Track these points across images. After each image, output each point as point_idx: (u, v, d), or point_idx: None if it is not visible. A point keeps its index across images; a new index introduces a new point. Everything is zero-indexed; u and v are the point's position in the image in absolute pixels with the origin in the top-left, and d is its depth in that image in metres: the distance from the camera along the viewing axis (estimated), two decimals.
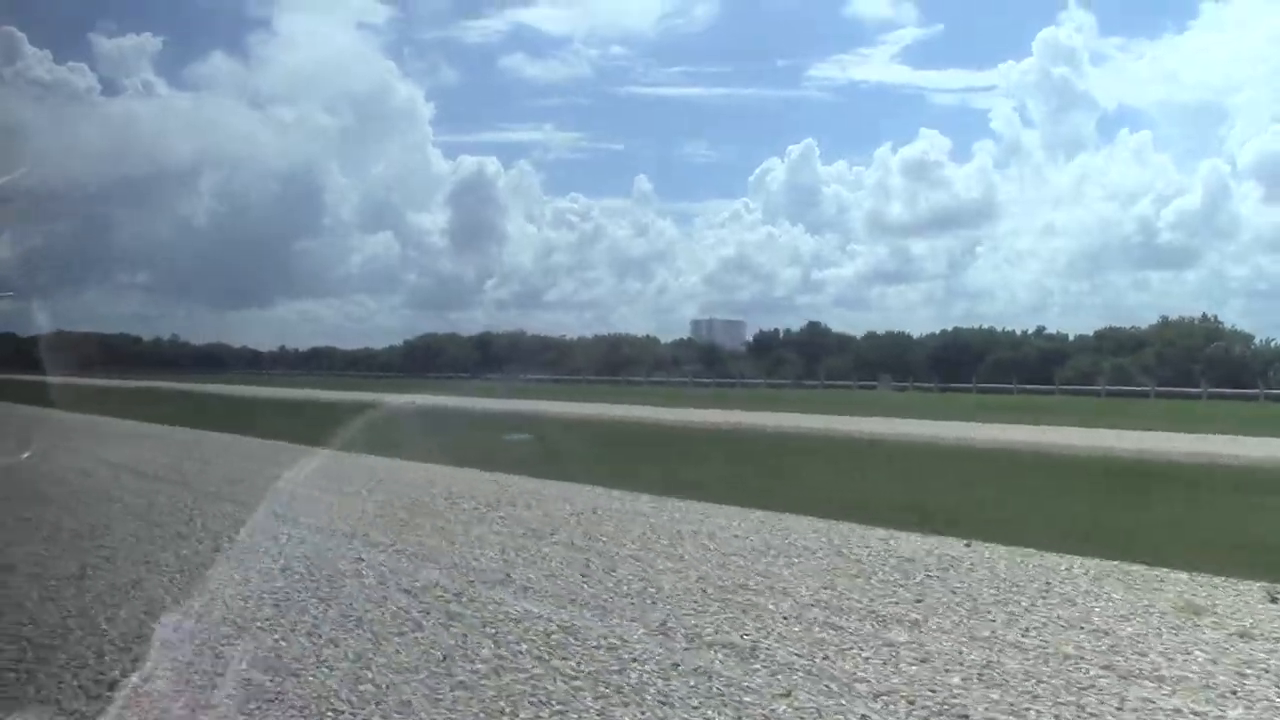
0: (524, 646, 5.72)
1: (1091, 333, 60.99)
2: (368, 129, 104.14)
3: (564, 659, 5.49)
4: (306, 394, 42.47)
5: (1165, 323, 58.02)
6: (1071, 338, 62.18)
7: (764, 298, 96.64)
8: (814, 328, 74.09)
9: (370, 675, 5.21)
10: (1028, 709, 4.74)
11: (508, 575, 7.64)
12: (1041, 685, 5.05)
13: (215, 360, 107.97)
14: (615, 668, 5.34)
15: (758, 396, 46.51)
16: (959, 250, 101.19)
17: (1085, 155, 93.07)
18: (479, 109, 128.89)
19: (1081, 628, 6.14)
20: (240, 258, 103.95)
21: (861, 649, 5.68)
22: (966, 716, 4.66)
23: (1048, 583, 7.41)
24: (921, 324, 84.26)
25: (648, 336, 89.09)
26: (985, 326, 66.49)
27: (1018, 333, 65.03)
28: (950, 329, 67.35)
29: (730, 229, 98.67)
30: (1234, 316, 70.15)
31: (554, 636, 5.94)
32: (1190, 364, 50.78)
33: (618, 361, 78.85)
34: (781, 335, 77.57)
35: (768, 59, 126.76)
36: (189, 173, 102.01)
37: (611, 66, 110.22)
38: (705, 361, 79.61)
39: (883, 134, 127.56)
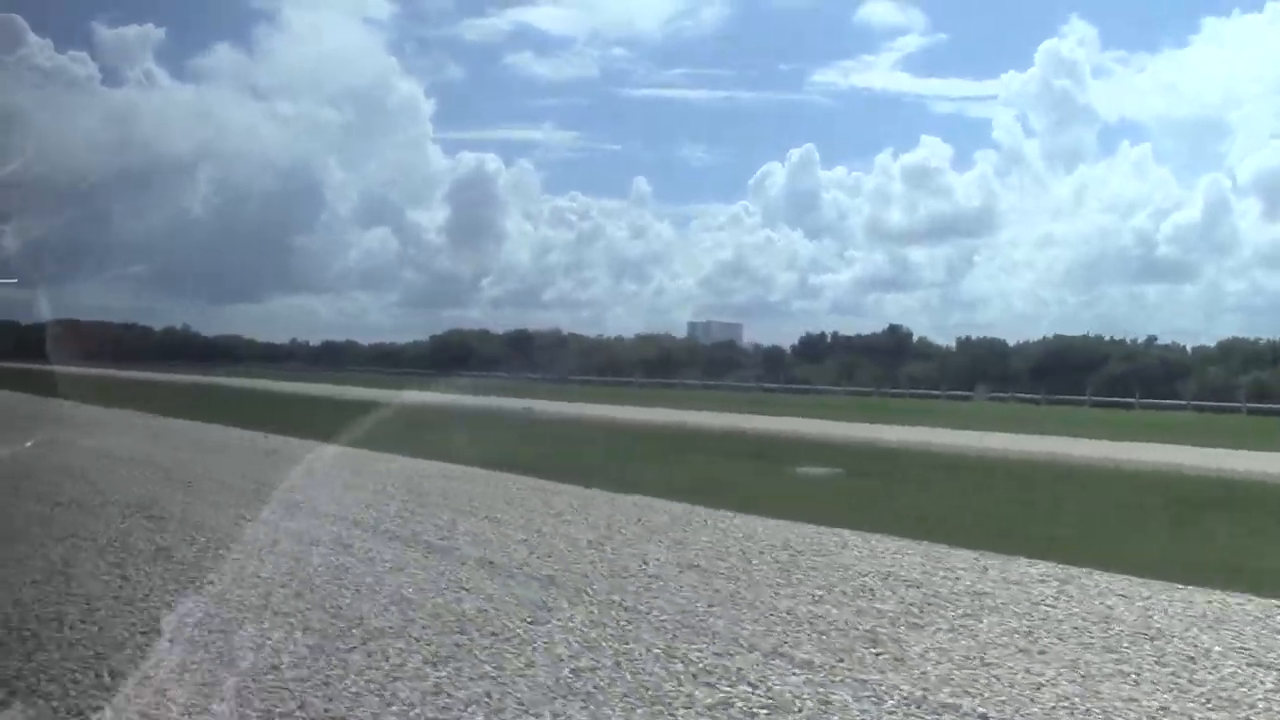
0: None
1: (1214, 344, 56.26)
2: (368, 125, 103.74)
3: None
4: (369, 393, 36.96)
5: None
6: (1189, 349, 57.18)
7: (760, 302, 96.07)
8: (895, 331, 68.48)
9: None
10: None
11: None
12: None
13: (228, 353, 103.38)
14: None
15: (858, 406, 41.15)
16: (957, 258, 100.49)
17: (1085, 167, 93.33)
18: (480, 107, 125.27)
19: None
20: (236, 251, 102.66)
21: None
22: None
23: None
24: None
25: (691, 337, 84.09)
26: (1093, 335, 61.08)
27: (1128, 341, 59.75)
28: (1051, 336, 62.00)
29: (729, 232, 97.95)
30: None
31: None
32: None
33: (655, 362, 73.54)
34: (857, 337, 71.93)
35: (770, 63, 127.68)
36: (188, 165, 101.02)
37: (613, 67, 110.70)
38: (739, 365, 74.65)
39: (883, 141, 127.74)
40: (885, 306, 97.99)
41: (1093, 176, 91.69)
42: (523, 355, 77.96)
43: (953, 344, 68.30)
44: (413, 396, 35.09)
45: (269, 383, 47.51)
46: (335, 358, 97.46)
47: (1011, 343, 62.09)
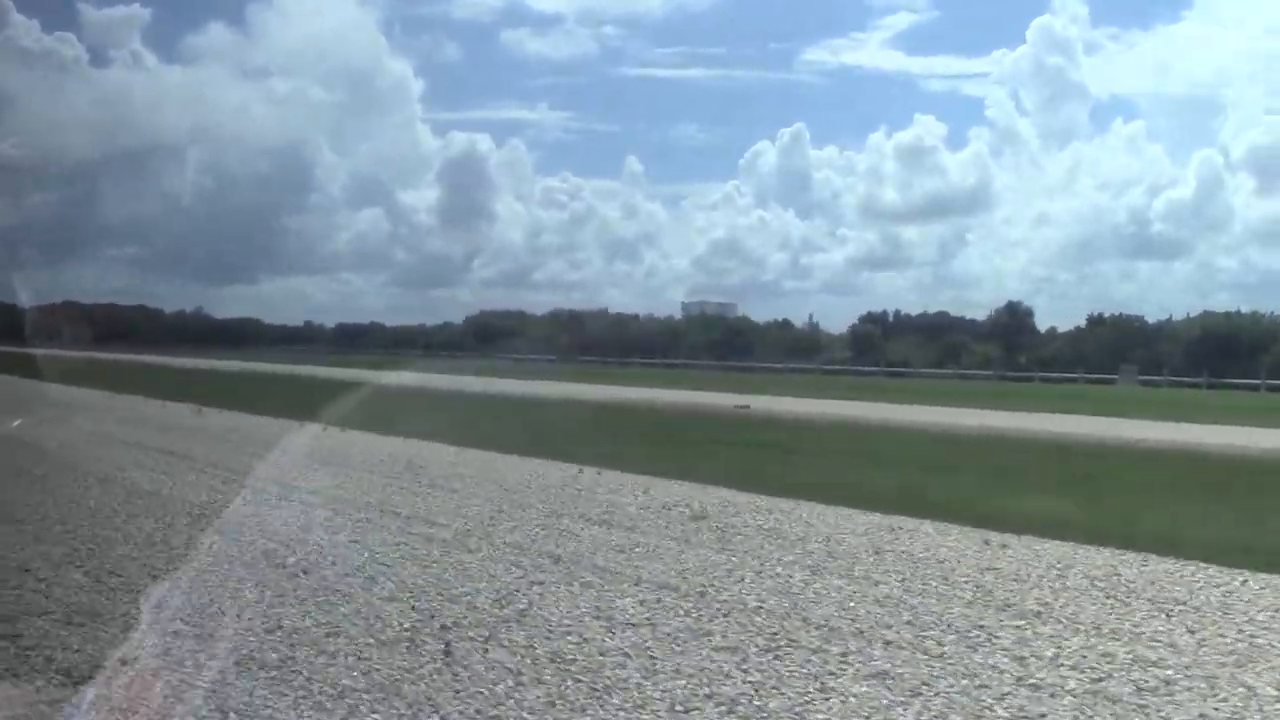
0: None
1: None
2: (359, 104, 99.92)
3: None
4: (462, 382, 30.24)
5: None
6: None
7: (753, 282, 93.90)
8: (1014, 309, 61.10)
9: None
10: None
11: None
12: None
13: (243, 335, 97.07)
14: None
15: (1000, 393, 34.45)
16: (949, 237, 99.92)
17: (1079, 144, 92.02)
18: (471, 86, 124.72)
19: None
20: (227, 233, 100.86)
21: None
22: None
23: None
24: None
25: (774, 321, 77.14)
26: (1260, 311, 53.78)
27: None
28: (1199, 313, 54.75)
29: (721, 212, 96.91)
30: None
31: None
32: None
33: (718, 343, 66.58)
34: (970, 319, 64.92)
35: (761, 42, 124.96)
36: (178, 146, 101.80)
37: (604, 47, 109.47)
38: (807, 349, 67.78)
39: (874, 119, 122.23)
40: (876, 285, 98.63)
41: (1086, 154, 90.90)
42: (571, 337, 71.23)
43: (1080, 323, 62.34)
44: (516, 387, 28.42)
45: (309, 368, 40.59)
46: (356, 340, 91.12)
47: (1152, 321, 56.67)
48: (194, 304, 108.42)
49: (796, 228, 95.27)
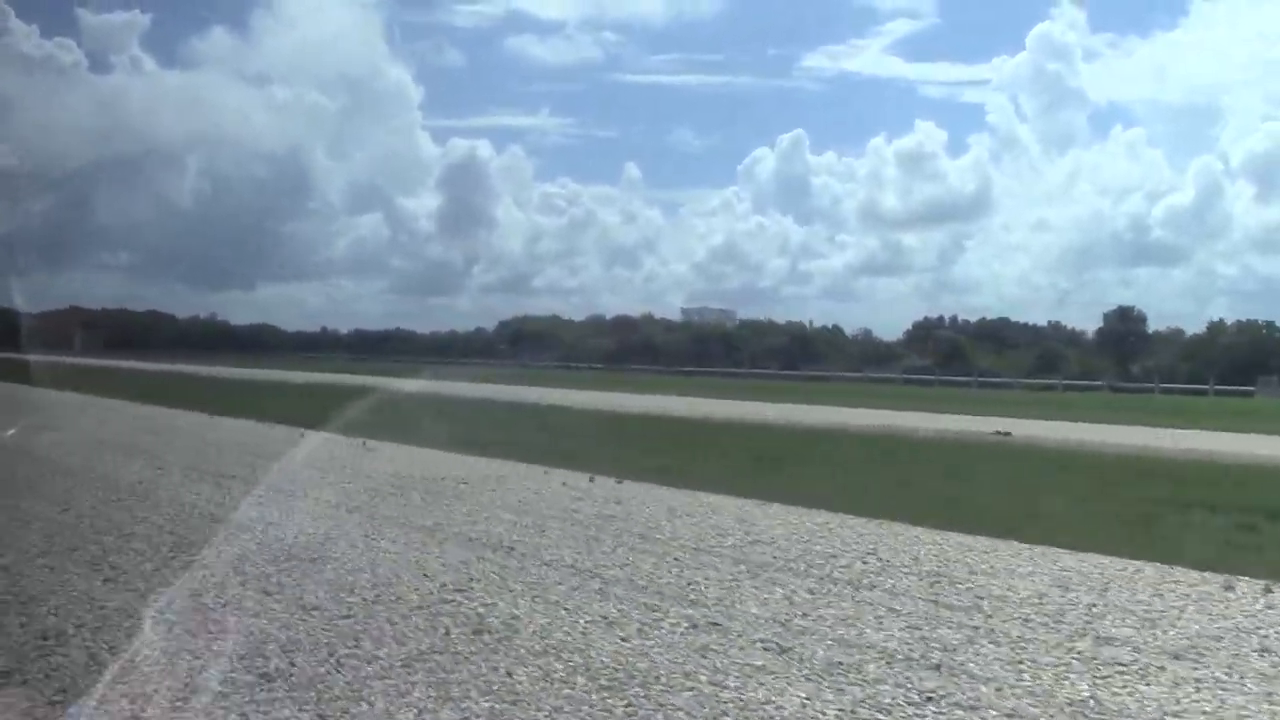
0: None
1: None
2: (359, 110, 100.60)
3: None
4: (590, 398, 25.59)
5: None
6: None
7: (751, 288, 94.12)
8: (1126, 315, 56.25)
9: None
10: None
11: None
12: None
13: (259, 342, 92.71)
14: None
15: (1145, 406, 29.77)
16: (949, 244, 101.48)
17: (1078, 151, 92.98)
18: (470, 93, 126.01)
19: None
20: (225, 239, 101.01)
21: None
22: None
23: None
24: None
25: (834, 326, 72.53)
26: None
27: None
28: None
29: (720, 218, 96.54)
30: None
31: None
32: None
33: (781, 351, 61.87)
34: (1074, 330, 60.48)
35: (760, 48, 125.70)
36: (177, 152, 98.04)
37: (604, 53, 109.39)
38: (883, 358, 63.23)
39: (873, 125, 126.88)
40: (876, 292, 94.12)
41: (1085, 160, 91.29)
42: (616, 342, 66.59)
43: (1200, 329, 57.96)
44: (616, 401, 23.87)
45: (359, 378, 35.86)
46: (378, 346, 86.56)
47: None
48: (198, 310, 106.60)
49: (795, 234, 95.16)
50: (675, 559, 6.84)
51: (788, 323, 73.35)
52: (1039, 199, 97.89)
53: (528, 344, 73.59)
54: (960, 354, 56.77)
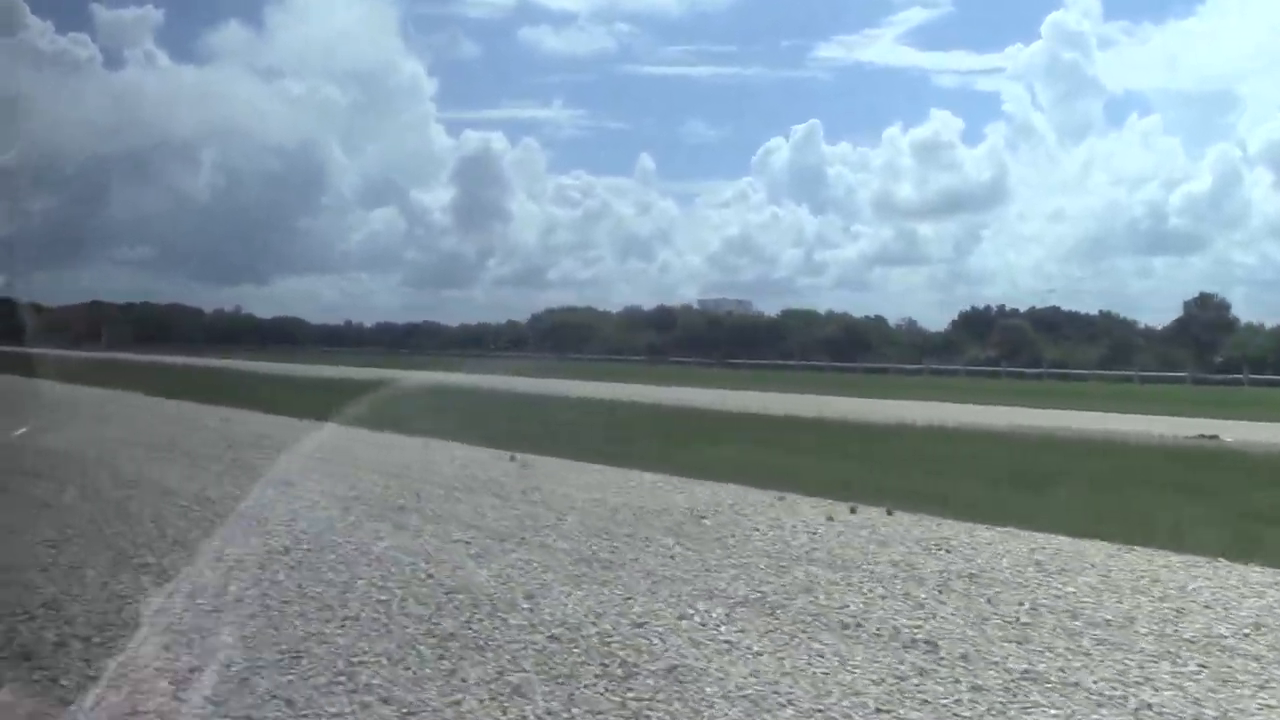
0: None
1: None
2: (372, 104, 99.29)
3: None
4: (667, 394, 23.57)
5: None
6: None
7: (766, 278, 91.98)
8: (1206, 300, 53.69)
9: None
10: None
11: None
12: None
13: (285, 336, 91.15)
14: None
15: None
16: (964, 234, 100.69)
17: (1093, 139, 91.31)
18: (483, 85, 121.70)
19: None
20: (239, 232, 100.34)
21: None
22: None
23: None
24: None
25: (875, 316, 70.26)
26: None
27: None
28: None
29: (734, 209, 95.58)
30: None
31: None
32: None
33: (841, 343, 59.60)
34: (1124, 318, 57.89)
35: (773, 39, 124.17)
36: (192, 146, 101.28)
37: (617, 45, 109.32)
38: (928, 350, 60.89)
39: (887, 115, 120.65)
40: (890, 282, 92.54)
41: (1101, 149, 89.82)
42: (660, 336, 64.45)
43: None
44: (710, 397, 21.85)
45: (394, 371, 33.87)
46: (407, 339, 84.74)
47: None
48: (217, 304, 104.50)
49: (810, 224, 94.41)
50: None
51: (828, 312, 71.25)
52: (1055, 188, 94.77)
53: (564, 337, 71.69)
54: (1024, 344, 54.35)
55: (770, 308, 77.29)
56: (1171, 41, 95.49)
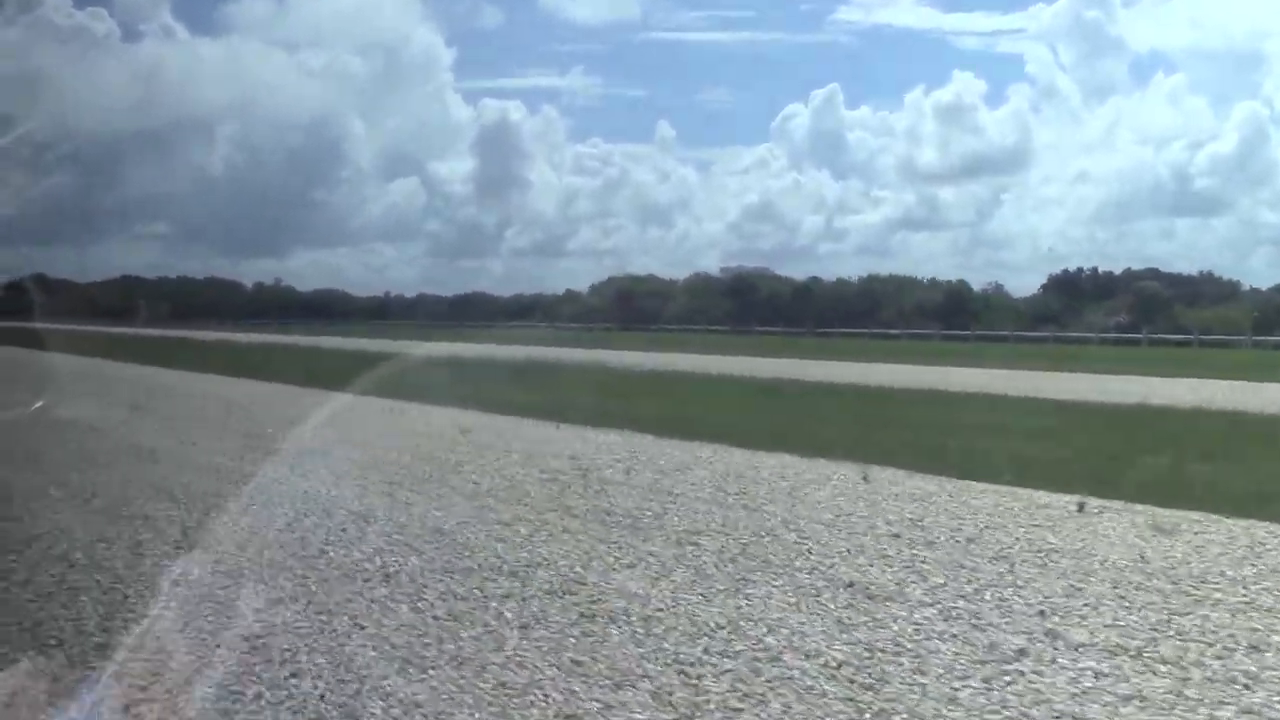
0: None
1: None
2: (391, 74, 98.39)
3: None
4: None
5: None
6: None
7: (786, 245, 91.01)
8: None
9: None
10: None
11: None
12: None
13: (329, 308, 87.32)
14: None
15: None
16: (987, 197, 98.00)
17: (1118, 99, 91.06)
18: (501, 54, 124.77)
19: None
20: (259, 206, 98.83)
21: None
22: None
23: None
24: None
25: (958, 281, 65.01)
26: None
27: None
28: None
29: (754, 175, 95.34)
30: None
31: None
32: None
33: (941, 311, 54.30)
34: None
35: (791, 3, 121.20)
36: (210, 120, 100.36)
37: (633, 11, 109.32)
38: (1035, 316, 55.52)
39: (907, 78, 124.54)
40: (911, 247, 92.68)
41: (1126, 109, 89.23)
42: (746, 305, 59.39)
43: None
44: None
45: (490, 347, 29.14)
46: (462, 311, 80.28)
47: None
48: (262, 277, 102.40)
49: (831, 190, 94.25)
50: None
51: (932, 281, 65.67)
52: (1079, 149, 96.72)
53: (630, 306, 66.79)
54: (1157, 308, 48.92)
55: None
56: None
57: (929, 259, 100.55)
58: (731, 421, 11.58)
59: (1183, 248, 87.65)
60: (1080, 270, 72.75)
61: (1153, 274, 68.36)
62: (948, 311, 53.94)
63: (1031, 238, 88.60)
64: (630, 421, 11.16)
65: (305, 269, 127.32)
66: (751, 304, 60.05)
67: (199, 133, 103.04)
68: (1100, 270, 71.88)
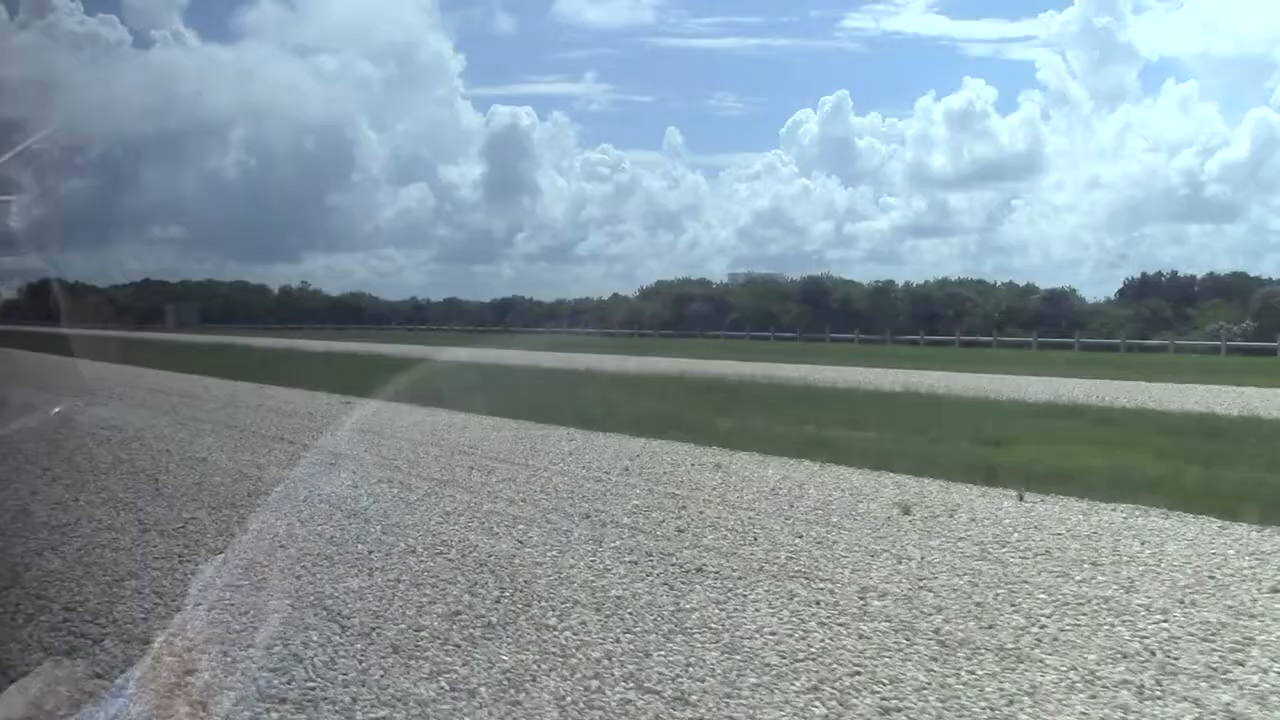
0: None
1: None
2: (402, 80, 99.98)
3: None
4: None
5: None
6: None
7: (796, 251, 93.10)
8: None
9: None
10: None
11: None
12: None
13: (357, 313, 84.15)
14: None
15: None
16: (997, 204, 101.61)
17: (1129, 106, 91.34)
18: (511, 60, 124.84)
19: None
20: (271, 211, 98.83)
21: None
22: None
23: None
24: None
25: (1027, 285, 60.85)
26: None
27: None
28: None
29: (763, 181, 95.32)
30: (1272, 270, 59.58)
31: None
32: None
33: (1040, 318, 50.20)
34: None
35: (801, 9, 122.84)
36: (221, 125, 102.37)
37: (643, 18, 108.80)
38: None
39: (916, 85, 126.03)
40: (921, 253, 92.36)
41: (1136, 116, 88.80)
42: (818, 311, 55.23)
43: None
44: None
45: (564, 356, 25.23)
46: (502, 315, 76.64)
47: None
48: (275, 281, 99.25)
49: (840, 196, 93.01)
50: None
51: (1029, 286, 61.34)
52: (1090, 156, 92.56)
53: (682, 312, 62.76)
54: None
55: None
56: (1206, 5, 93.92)
57: (939, 264, 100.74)
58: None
59: (1193, 254, 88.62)
60: (1160, 275, 69.38)
61: (1236, 278, 64.45)
62: (1043, 318, 49.74)
63: (1043, 244, 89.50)
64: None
65: (318, 273, 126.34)
66: (824, 309, 55.95)
67: (212, 137, 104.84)
68: (1180, 274, 68.58)
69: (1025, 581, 5.22)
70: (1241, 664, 4.03)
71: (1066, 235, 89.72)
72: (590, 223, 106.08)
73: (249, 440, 10.77)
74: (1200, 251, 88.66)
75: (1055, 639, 4.33)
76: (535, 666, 4.03)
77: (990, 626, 4.49)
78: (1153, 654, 4.14)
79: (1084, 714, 3.60)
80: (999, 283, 62.26)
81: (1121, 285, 69.19)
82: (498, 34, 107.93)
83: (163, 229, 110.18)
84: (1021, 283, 63.31)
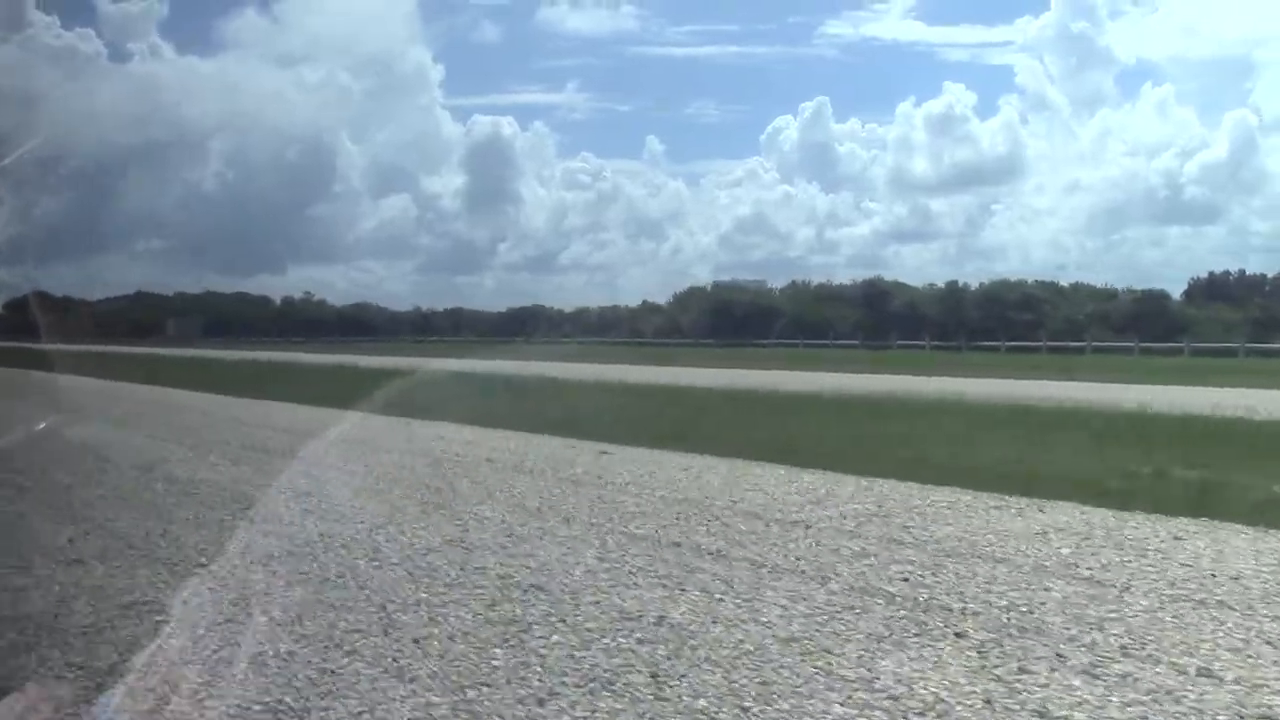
0: None
1: None
2: (383, 90, 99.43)
3: None
4: None
5: None
6: None
7: (778, 257, 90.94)
8: None
9: None
10: None
11: None
12: None
13: (362, 323, 79.82)
14: None
15: None
16: (977, 208, 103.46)
17: (1107, 110, 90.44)
18: (491, 70, 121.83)
19: None
20: (253, 222, 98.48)
21: None
22: None
23: None
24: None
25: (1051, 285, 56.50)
26: None
27: None
28: None
29: (745, 188, 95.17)
30: (1257, 274, 59.78)
31: None
32: None
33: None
34: None
35: (779, 17, 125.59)
36: (200, 138, 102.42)
37: (622, 27, 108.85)
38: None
39: (895, 91, 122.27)
40: (903, 258, 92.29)
41: (1115, 120, 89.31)
42: (875, 316, 50.55)
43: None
44: None
45: (609, 367, 20.42)
46: (522, 325, 72.17)
47: None
48: (289, 291, 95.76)
49: (822, 202, 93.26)
50: None
51: (1128, 290, 56.96)
52: (1070, 160, 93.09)
53: (727, 319, 58.01)
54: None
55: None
56: (1182, 9, 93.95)
57: (920, 269, 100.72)
58: None
59: (1173, 256, 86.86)
60: (1227, 274, 65.51)
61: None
62: (1138, 321, 45.18)
63: (1024, 247, 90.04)
64: None
65: (307, 284, 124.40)
66: (881, 313, 51.29)
67: (193, 149, 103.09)
68: (1247, 273, 64.69)
69: None
70: None
71: (1048, 239, 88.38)
72: (573, 232, 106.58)
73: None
74: (1180, 253, 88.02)
75: None
76: None
77: None
78: None
79: None
80: (1066, 284, 58.01)
81: (1187, 286, 65.71)
82: (480, 44, 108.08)
83: (146, 241, 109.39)
84: (1099, 284, 59.87)
